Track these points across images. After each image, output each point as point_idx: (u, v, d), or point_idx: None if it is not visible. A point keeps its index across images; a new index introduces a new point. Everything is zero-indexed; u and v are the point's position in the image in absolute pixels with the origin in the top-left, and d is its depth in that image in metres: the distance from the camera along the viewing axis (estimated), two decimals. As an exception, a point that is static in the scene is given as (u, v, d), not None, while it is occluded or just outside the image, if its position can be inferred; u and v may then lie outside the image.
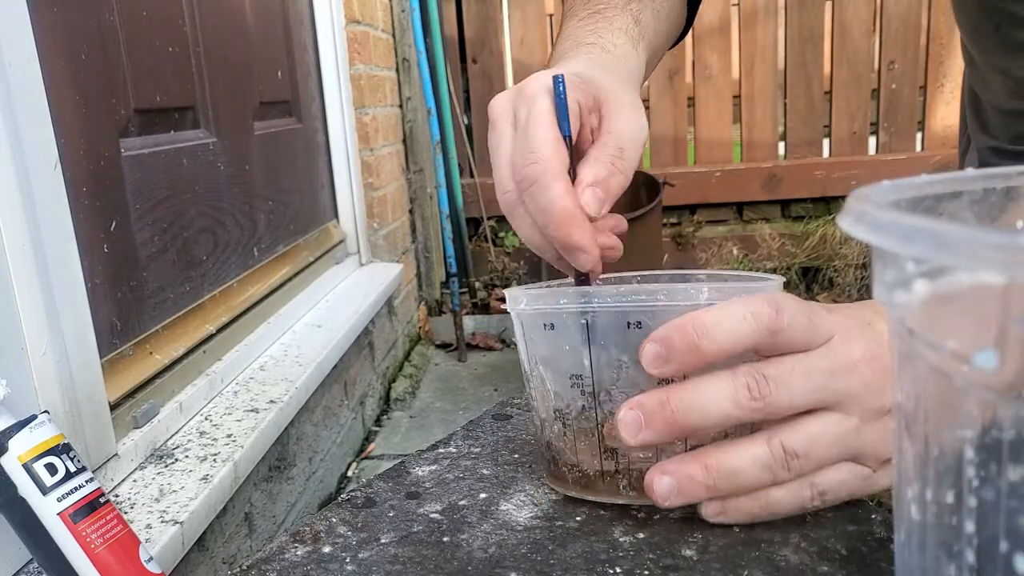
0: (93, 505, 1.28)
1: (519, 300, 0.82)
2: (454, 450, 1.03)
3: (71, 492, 1.26)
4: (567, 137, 0.91)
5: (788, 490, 0.75)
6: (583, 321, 0.77)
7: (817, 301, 3.54)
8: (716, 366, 0.71)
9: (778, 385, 0.70)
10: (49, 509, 1.25)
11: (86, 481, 1.29)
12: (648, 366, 0.71)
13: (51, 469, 1.26)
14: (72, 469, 1.28)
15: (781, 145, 5.35)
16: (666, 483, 0.73)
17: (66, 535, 1.25)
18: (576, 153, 0.93)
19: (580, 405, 0.80)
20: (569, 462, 0.83)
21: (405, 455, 1.14)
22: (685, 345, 0.70)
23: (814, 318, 0.72)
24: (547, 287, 0.84)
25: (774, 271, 5.00)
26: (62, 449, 1.29)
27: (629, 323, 0.75)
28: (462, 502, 0.89)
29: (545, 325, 0.80)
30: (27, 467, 1.25)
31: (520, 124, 0.94)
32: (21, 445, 1.25)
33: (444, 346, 4.61)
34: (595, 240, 0.88)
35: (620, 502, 0.80)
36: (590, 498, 0.83)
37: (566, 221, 0.86)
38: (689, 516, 0.81)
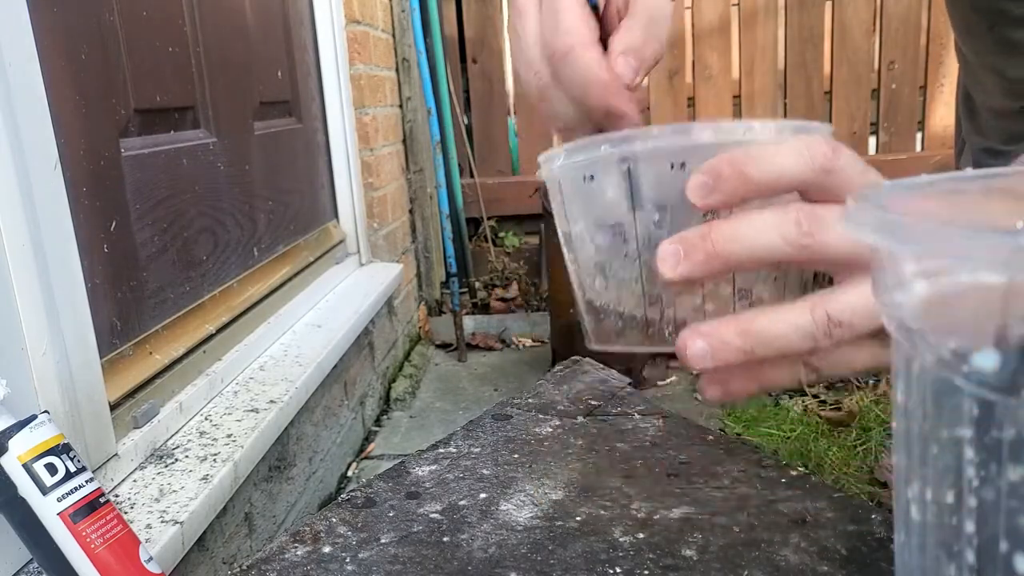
0: (93, 505, 1.28)
1: (555, 159, 0.79)
2: (454, 450, 1.03)
3: (71, 492, 1.26)
4: (594, 7, 0.90)
5: (787, 370, 0.73)
6: (625, 167, 0.74)
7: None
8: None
9: (829, 227, 0.67)
10: (49, 509, 1.25)
11: (86, 481, 1.29)
12: (693, 196, 0.69)
13: (51, 469, 1.26)
14: (72, 469, 1.28)
15: (781, 145, 5.34)
16: (699, 346, 0.70)
17: (66, 535, 1.25)
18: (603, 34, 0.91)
19: (623, 254, 0.77)
20: (612, 316, 0.80)
21: (405, 455, 1.14)
22: (733, 173, 0.67)
23: (867, 171, 0.69)
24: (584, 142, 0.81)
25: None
26: (62, 449, 1.29)
27: (673, 164, 0.72)
28: (462, 502, 0.89)
29: (585, 177, 0.78)
30: (27, 467, 1.25)
31: (545, 2, 0.93)
32: (21, 445, 1.25)
33: (444, 346, 4.61)
34: (635, 105, 0.87)
35: (666, 351, 0.77)
36: (636, 350, 0.80)
37: (603, 88, 0.85)
38: (689, 516, 0.80)
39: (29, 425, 1.28)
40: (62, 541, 1.25)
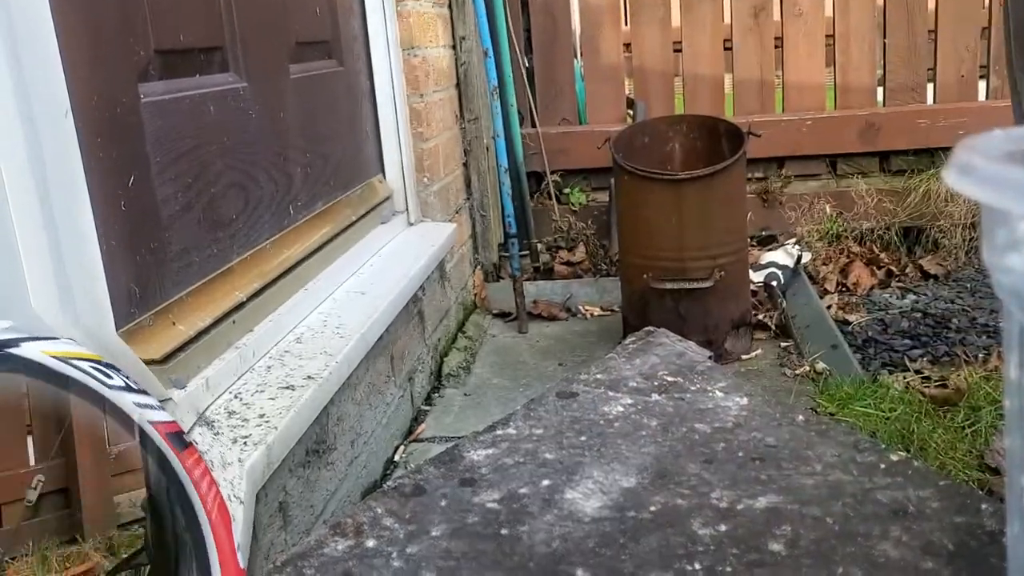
0: (183, 439, 1.19)
1: None
2: (513, 432, 1.04)
3: (149, 407, 1.16)
4: None
5: None
6: None
7: (920, 265, 3.48)
8: None
9: None
10: (125, 401, 1.13)
11: (158, 405, 1.19)
12: None
13: (104, 374, 1.17)
14: (134, 386, 1.18)
15: (880, 90, 5.29)
16: None
17: (172, 456, 1.14)
18: None
19: None
20: None
21: (459, 437, 1.15)
22: None
23: None
24: None
25: (871, 232, 4.97)
26: (106, 365, 1.20)
27: None
28: (522, 490, 0.89)
29: None
30: (65, 360, 1.15)
31: None
32: (43, 346, 1.18)
33: (502, 315, 4.61)
34: None
35: None
36: None
37: None
38: (776, 506, 0.80)
39: (48, 340, 1.21)
40: (170, 457, 1.13)
